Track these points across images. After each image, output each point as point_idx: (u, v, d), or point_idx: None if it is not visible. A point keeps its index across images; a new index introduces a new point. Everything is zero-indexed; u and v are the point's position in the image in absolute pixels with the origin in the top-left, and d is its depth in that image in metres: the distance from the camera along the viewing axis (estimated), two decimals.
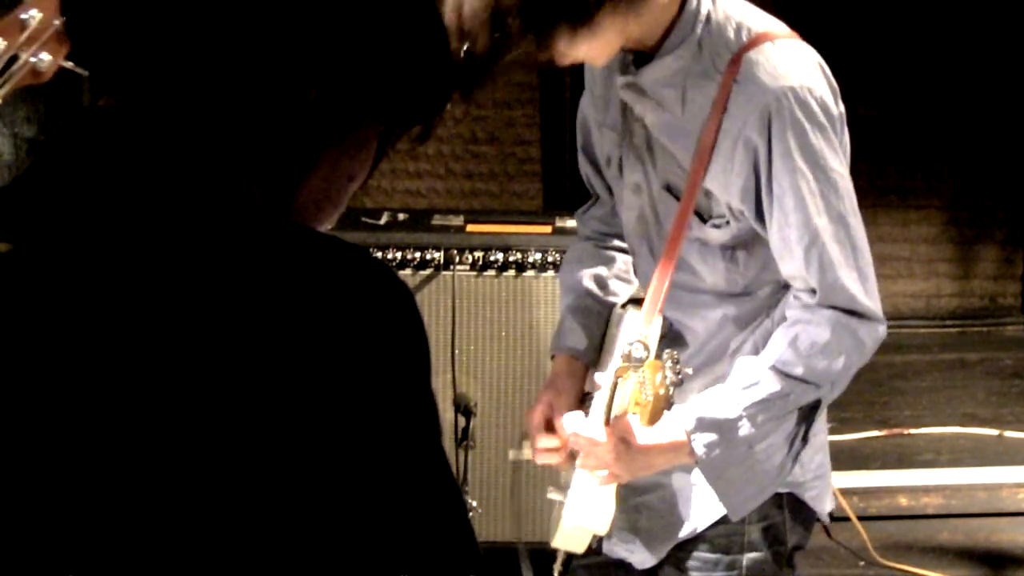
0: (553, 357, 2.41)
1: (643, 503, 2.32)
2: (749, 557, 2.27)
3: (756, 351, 2.19)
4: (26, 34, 2.05)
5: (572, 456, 2.31)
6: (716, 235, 2.17)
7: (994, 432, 4.80)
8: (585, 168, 2.44)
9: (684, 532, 2.29)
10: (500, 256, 3.62)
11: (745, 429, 2.10)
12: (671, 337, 2.26)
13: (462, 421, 3.58)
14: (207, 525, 1.07)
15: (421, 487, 1.12)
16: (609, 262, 2.44)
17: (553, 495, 2.40)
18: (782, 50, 2.08)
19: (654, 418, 2.00)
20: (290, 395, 1.07)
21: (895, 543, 4.18)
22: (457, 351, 3.61)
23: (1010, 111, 5.75)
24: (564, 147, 5.01)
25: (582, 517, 2.24)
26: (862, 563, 4.09)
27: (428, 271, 3.63)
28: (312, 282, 1.10)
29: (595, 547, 2.36)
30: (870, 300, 2.11)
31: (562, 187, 5.12)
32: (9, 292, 1.09)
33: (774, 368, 2.10)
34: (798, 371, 2.10)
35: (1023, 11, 5.62)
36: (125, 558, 1.08)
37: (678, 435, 2.11)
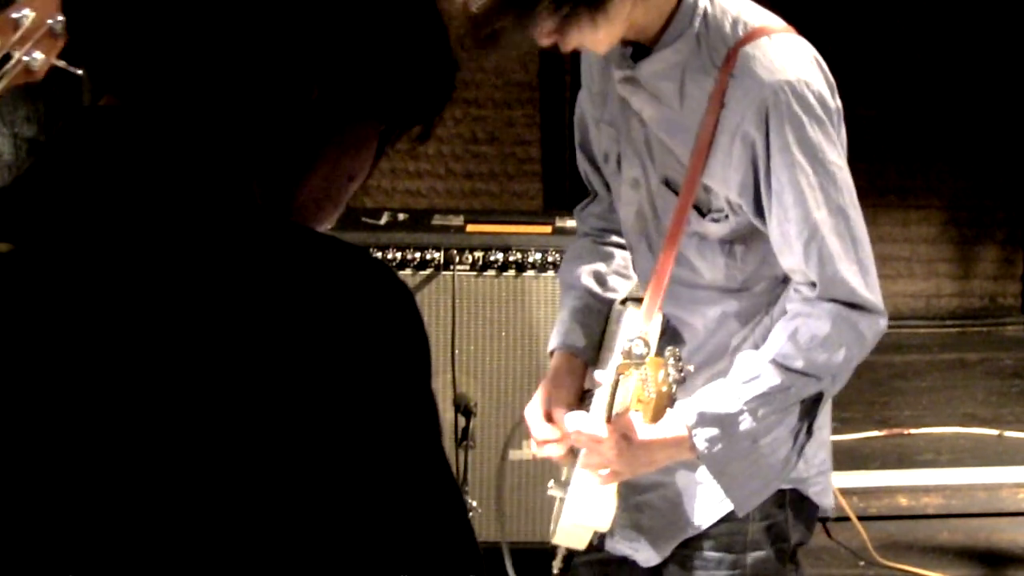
0: (552, 354, 2.41)
1: (645, 501, 2.32)
2: (753, 555, 2.28)
3: (757, 348, 2.19)
4: (19, 33, 2.07)
5: (572, 452, 2.31)
6: (715, 229, 2.17)
7: (994, 432, 4.80)
8: (583, 164, 2.45)
9: (688, 531, 2.30)
10: (500, 256, 3.62)
11: (746, 423, 2.10)
12: (670, 334, 2.27)
13: (462, 421, 3.58)
14: (207, 525, 1.07)
15: (421, 487, 1.12)
16: (608, 258, 2.44)
17: (553, 491, 2.40)
18: (778, 44, 2.09)
19: (657, 415, 2.00)
20: (290, 395, 1.07)
21: (895, 543, 4.18)
22: (457, 351, 3.61)
23: (1010, 111, 5.75)
24: (564, 147, 5.01)
25: (583, 514, 2.24)
26: (862, 563, 4.09)
27: (428, 271, 3.63)
28: (312, 282, 1.10)
29: (597, 544, 2.36)
30: (870, 293, 2.12)
31: (562, 187, 5.12)
32: (10, 292, 1.09)
33: (774, 362, 2.11)
34: (798, 364, 2.10)
35: (1023, 11, 5.62)
36: (125, 558, 1.08)
37: (679, 430, 2.11)
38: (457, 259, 3.62)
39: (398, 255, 3.62)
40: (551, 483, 2.41)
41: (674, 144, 2.16)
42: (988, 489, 4.41)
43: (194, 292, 1.08)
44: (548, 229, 3.74)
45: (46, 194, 1.11)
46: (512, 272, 3.63)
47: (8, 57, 2.09)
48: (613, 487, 2.21)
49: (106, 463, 1.07)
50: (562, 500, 2.37)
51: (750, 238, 2.18)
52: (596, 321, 2.40)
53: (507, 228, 3.74)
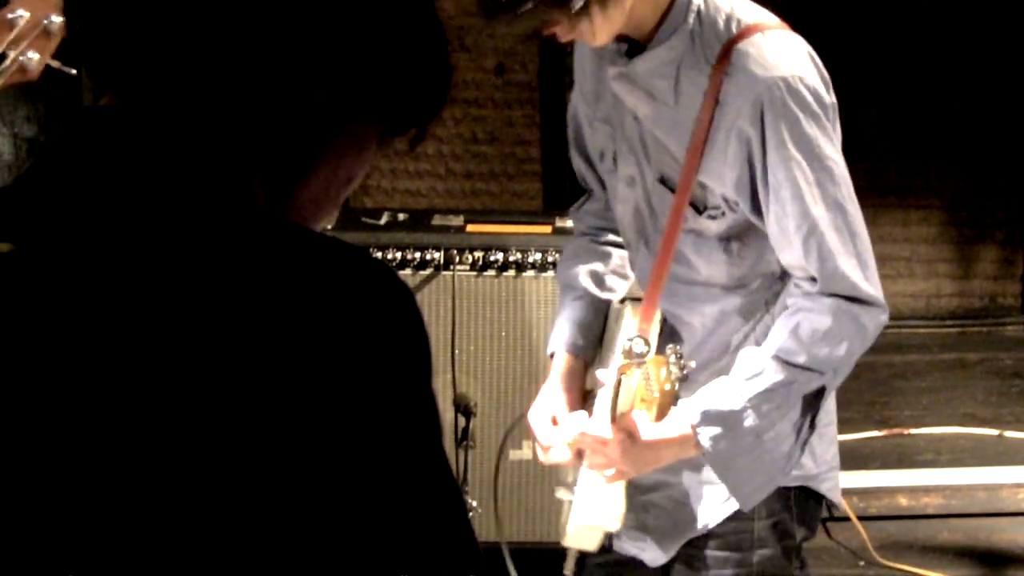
0: (552, 355, 2.40)
1: (650, 501, 2.32)
2: (759, 553, 2.28)
3: (758, 345, 2.19)
4: (14, 33, 2.09)
5: (578, 454, 2.31)
6: (712, 226, 2.17)
7: (994, 432, 4.80)
8: (577, 163, 2.45)
9: (694, 530, 2.30)
10: (500, 256, 3.62)
11: (750, 420, 2.11)
12: (668, 331, 2.27)
13: (462, 421, 3.58)
14: (208, 525, 1.07)
15: (422, 487, 1.12)
16: (605, 258, 2.44)
17: (562, 494, 2.39)
18: (772, 41, 2.09)
19: (662, 413, 2.00)
20: (291, 395, 1.07)
21: (895, 543, 4.18)
22: (457, 351, 3.61)
23: (1010, 111, 5.75)
24: (564, 147, 4.96)
25: (592, 515, 2.24)
26: (862, 563, 4.09)
27: (428, 271, 3.63)
28: (313, 283, 1.10)
29: (606, 545, 2.36)
30: (871, 286, 2.12)
31: (562, 187, 5.11)
32: (11, 292, 1.09)
33: (776, 357, 2.11)
34: (800, 359, 2.10)
35: (1023, 11, 5.62)
36: (125, 558, 1.08)
37: (684, 429, 2.12)
38: (457, 259, 3.62)
39: (398, 255, 3.62)
40: (558, 486, 2.41)
41: (669, 141, 2.16)
42: (988, 489, 4.41)
43: (195, 292, 1.08)
44: (548, 229, 3.74)
45: (46, 194, 1.11)
46: (512, 272, 3.63)
47: (3, 57, 2.11)
48: (621, 487, 2.21)
49: (107, 463, 1.07)
50: (571, 503, 2.37)
51: (747, 235, 2.18)
52: (595, 321, 2.40)
53: (507, 228, 3.74)
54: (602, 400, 2.20)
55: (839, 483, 2.35)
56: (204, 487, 1.07)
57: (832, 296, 2.10)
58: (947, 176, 5.85)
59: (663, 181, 2.20)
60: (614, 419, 2.14)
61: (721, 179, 2.12)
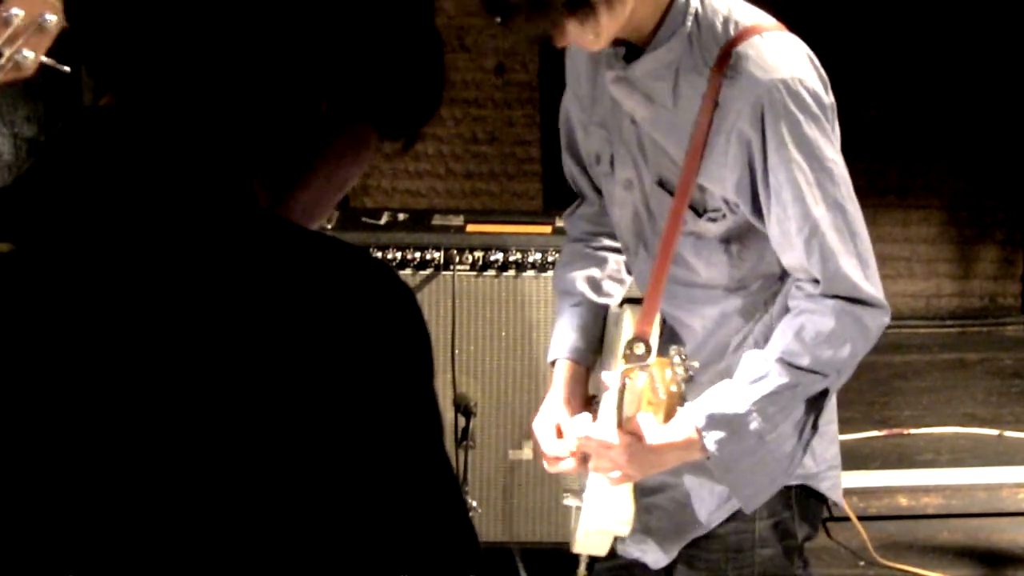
0: (553, 363, 2.40)
1: (652, 503, 2.32)
2: (761, 553, 2.28)
3: (756, 346, 2.19)
4: (9, 31, 2.10)
5: (584, 460, 2.31)
6: (712, 228, 2.17)
7: (994, 432, 4.80)
8: (570, 168, 2.45)
9: (695, 530, 2.30)
10: (500, 256, 3.62)
11: (755, 423, 2.11)
12: (668, 334, 2.27)
13: (462, 421, 3.58)
14: (209, 524, 1.07)
15: (423, 487, 1.12)
16: (601, 263, 2.44)
17: (569, 501, 2.39)
18: (771, 42, 2.09)
19: (669, 415, 2.00)
20: (292, 395, 1.07)
21: (895, 543, 4.18)
22: (457, 351, 3.61)
23: (1010, 111, 5.75)
24: None
25: (602, 520, 2.23)
26: (862, 563, 4.09)
27: (428, 271, 3.63)
28: (314, 283, 1.10)
29: (613, 549, 2.36)
30: (872, 287, 2.12)
31: (562, 187, 5.10)
32: (11, 292, 1.09)
33: (780, 360, 2.11)
34: (805, 362, 2.10)
35: (1023, 11, 5.62)
36: (125, 558, 1.08)
37: (689, 432, 2.11)
38: (457, 259, 3.62)
39: (398, 255, 3.62)
40: (565, 493, 2.41)
41: (668, 144, 2.16)
42: (988, 489, 4.41)
43: (196, 292, 1.08)
44: (548, 229, 3.73)
45: (47, 194, 1.11)
46: (512, 272, 3.63)
47: None
48: (629, 491, 2.21)
49: (107, 463, 1.07)
50: (578, 509, 2.36)
51: (747, 236, 2.18)
52: (595, 326, 2.40)
53: (507, 228, 3.73)
54: (607, 404, 2.20)
55: (840, 482, 2.35)
56: (205, 487, 1.07)
57: (834, 298, 2.10)
58: (947, 176, 5.86)
59: (661, 184, 2.19)
60: (620, 423, 2.13)
61: (721, 182, 2.12)
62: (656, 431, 2.10)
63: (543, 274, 3.61)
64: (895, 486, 4.42)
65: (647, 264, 2.26)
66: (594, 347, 2.39)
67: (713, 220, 2.16)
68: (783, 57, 2.08)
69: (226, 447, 1.07)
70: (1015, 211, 5.89)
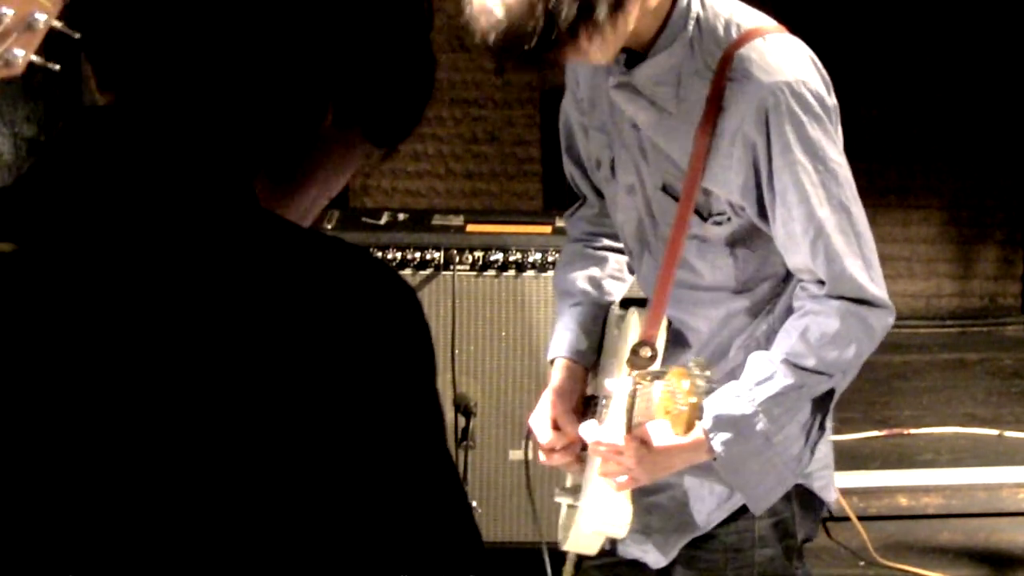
0: (552, 361, 2.40)
1: (653, 503, 2.32)
2: (761, 553, 2.28)
3: (760, 347, 2.19)
4: None
5: (580, 459, 2.31)
6: (717, 232, 2.17)
7: (994, 432, 4.80)
8: (570, 169, 2.45)
9: (695, 530, 2.30)
10: (500, 256, 3.62)
11: (762, 424, 2.11)
12: (672, 336, 2.27)
13: (462, 421, 3.58)
14: (210, 524, 1.07)
15: (426, 485, 1.12)
16: (601, 263, 2.44)
17: (560, 498, 2.39)
18: (773, 45, 2.09)
19: (689, 426, 1.99)
20: (295, 395, 1.07)
21: (895, 543, 4.18)
22: (457, 351, 3.61)
23: (1010, 111, 5.75)
24: None
25: (600, 522, 2.23)
26: (862, 563, 4.09)
27: (428, 271, 3.63)
28: (316, 283, 1.10)
29: (608, 548, 2.36)
30: (877, 287, 2.13)
31: (562, 187, 5.11)
32: (12, 292, 1.09)
33: (786, 361, 2.11)
34: (810, 363, 2.10)
35: (1023, 11, 5.62)
36: (125, 558, 1.08)
37: (696, 434, 2.11)
38: (457, 259, 3.62)
39: (398, 255, 3.62)
40: (557, 490, 2.41)
41: (671, 149, 2.16)
42: (988, 489, 4.41)
43: (198, 292, 1.08)
44: (548, 229, 3.74)
45: (48, 194, 1.11)
46: (512, 272, 3.63)
47: None
48: (627, 495, 2.21)
49: (108, 463, 1.07)
50: (570, 507, 2.37)
51: (751, 239, 2.18)
52: (595, 326, 2.40)
53: (507, 228, 3.74)
54: (616, 408, 2.19)
55: (832, 482, 2.36)
56: (206, 486, 1.07)
57: (839, 299, 2.11)
58: (947, 176, 5.85)
59: (665, 188, 2.19)
60: (629, 428, 2.13)
61: (726, 185, 2.12)
62: (663, 434, 2.10)
63: (543, 274, 3.61)
64: (895, 486, 4.42)
65: (652, 268, 2.26)
66: (594, 347, 2.39)
67: (718, 224, 2.16)
68: (786, 59, 2.08)
69: (228, 447, 1.07)
70: (1015, 211, 5.89)
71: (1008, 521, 4.32)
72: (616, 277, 2.44)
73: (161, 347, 1.07)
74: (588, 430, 2.20)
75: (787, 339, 2.12)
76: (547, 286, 3.61)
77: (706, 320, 2.26)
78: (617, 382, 2.22)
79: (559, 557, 2.47)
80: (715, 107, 2.08)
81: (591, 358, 2.39)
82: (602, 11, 1.97)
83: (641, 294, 2.38)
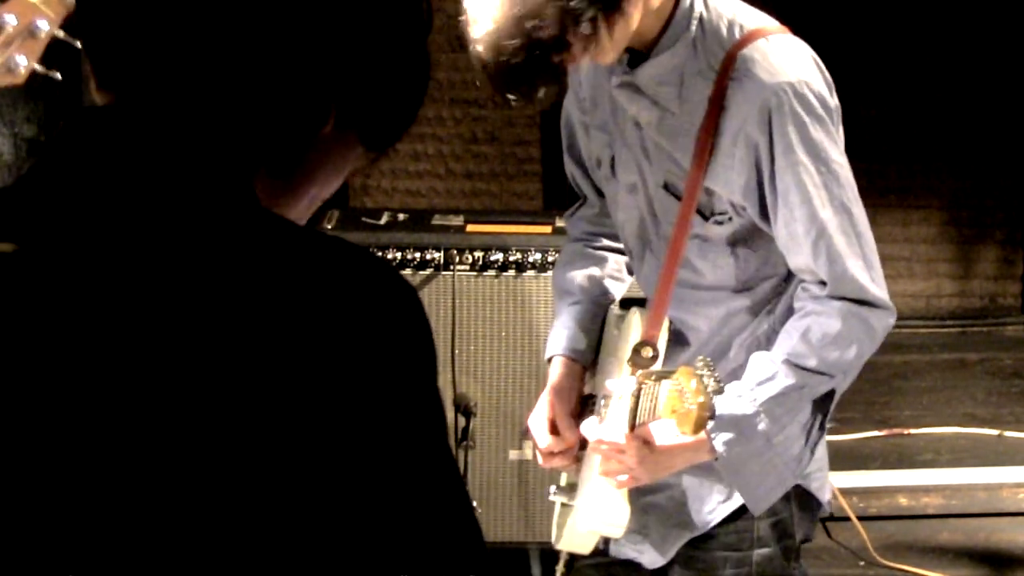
0: (550, 360, 2.40)
1: (651, 503, 2.32)
2: (759, 553, 2.28)
3: (760, 347, 2.19)
4: (1, 37, 2.16)
5: (577, 458, 2.31)
6: (719, 231, 2.17)
7: (994, 432, 4.80)
8: (571, 169, 2.45)
9: (694, 530, 2.30)
10: (500, 256, 3.62)
11: (763, 424, 2.11)
12: (673, 335, 2.27)
13: (462, 421, 3.58)
14: (211, 523, 1.08)
15: (428, 484, 1.13)
16: (601, 262, 2.44)
17: (555, 497, 2.39)
18: (776, 46, 2.09)
19: (699, 426, 1.98)
20: (296, 394, 1.07)
21: (895, 543, 4.18)
22: (457, 351, 3.61)
23: (1010, 111, 5.75)
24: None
25: (597, 521, 2.24)
26: (862, 563, 4.09)
27: (428, 271, 3.63)
28: (318, 281, 1.10)
29: (602, 547, 2.36)
30: (878, 288, 2.13)
31: (562, 187, 5.11)
32: (13, 292, 1.09)
33: (788, 361, 2.11)
34: (811, 363, 2.11)
35: (1023, 11, 5.62)
36: (126, 558, 1.08)
37: (699, 434, 2.11)
38: (457, 259, 3.62)
39: (398, 255, 3.62)
40: (552, 488, 2.41)
41: (673, 148, 2.16)
42: (988, 489, 4.41)
43: (199, 291, 1.08)
44: (548, 229, 3.74)
45: (48, 195, 1.11)
46: (512, 272, 3.63)
47: None
48: (625, 495, 2.21)
49: (109, 462, 1.07)
50: (564, 505, 2.37)
51: (752, 239, 2.18)
52: (593, 325, 2.40)
53: (507, 228, 3.74)
54: (618, 408, 2.19)
55: (827, 483, 2.36)
56: (207, 486, 1.07)
57: (841, 299, 2.11)
58: (947, 176, 5.86)
59: (667, 187, 2.19)
60: (632, 427, 2.13)
61: (728, 185, 2.12)
62: (665, 433, 2.10)
63: (543, 274, 3.61)
64: (895, 486, 4.42)
65: (653, 268, 2.26)
66: (592, 346, 2.39)
67: (719, 223, 2.16)
68: (789, 60, 2.08)
69: (229, 446, 1.07)
70: (1015, 211, 5.89)
71: (1008, 521, 4.33)
72: (615, 277, 2.44)
73: (162, 347, 1.07)
74: (590, 428, 2.20)
75: (788, 339, 2.13)
76: (547, 286, 3.60)
77: (706, 319, 2.26)
78: (619, 381, 2.22)
79: (552, 557, 2.47)
80: (717, 107, 2.08)
81: (589, 357, 2.39)
82: (585, 27, 1.96)
83: (640, 294, 2.38)
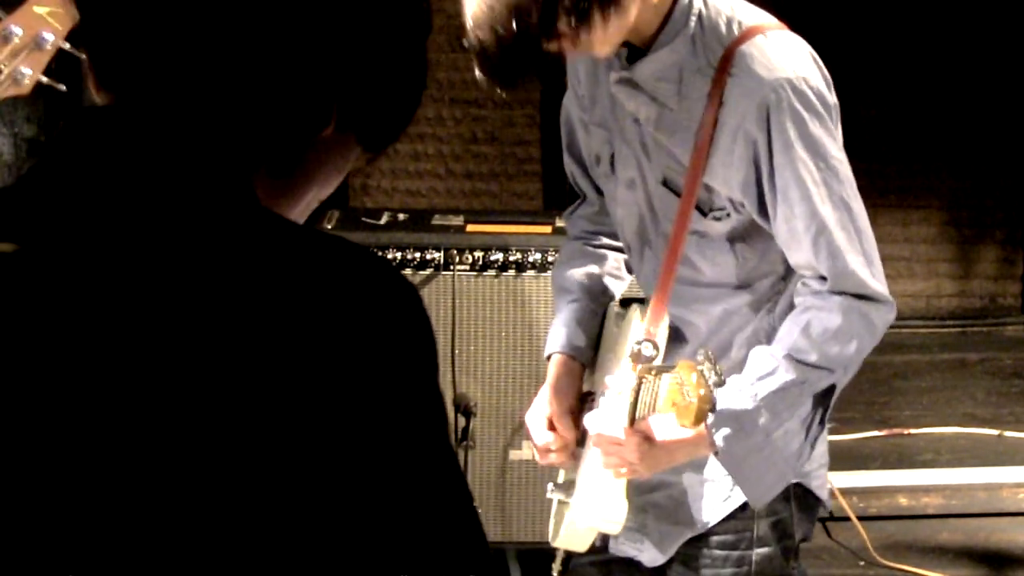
0: (549, 358, 2.41)
1: (650, 502, 2.32)
2: (758, 552, 2.28)
3: (760, 344, 2.19)
4: (8, 48, 2.20)
5: (575, 456, 2.31)
6: (717, 227, 2.18)
7: (994, 432, 4.80)
8: (571, 167, 2.45)
9: (693, 529, 2.30)
10: (500, 256, 3.62)
11: (763, 419, 2.11)
12: (672, 333, 2.27)
13: (462, 421, 3.58)
14: (212, 522, 1.08)
15: (429, 483, 1.13)
16: (600, 260, 2.44)
17: (553, 494, 2.40)
18: (774, 42, 2.10)
19: (699, 419, 1.99)
20: (297, 393, 1.07)
21: (895, 543, 4.18)
22: (457, 351, 3.61)
23: (1010, 111, 5.75)
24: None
25: (593, 518, 2.24)
26: (862, 563, 4.09)
27: (428, 271, 3.63)
28: (319, 280, 1.10)
29: (599, 545, 2.36)
30: (878, 283, 2.14)
31: (562, 187, 5.10)
32: (13, 292, 1.09)
33: (788, 356, 2.11)
34: (812, 358, 2.11)
35: (1023, 11, 5.62)
36: (125, 558, 1.08)
37: (699, 428, 2.12)
38: (457, 259, 3.62)
39: (398, 255, 3.62)
40: (550, 485, 2.41)
41: (672, 144, 2.16)
42: (988, 489, 4.41)
43: (200, 291, 1.08)
44: (548, 229, 3.74)
45: (49, 195, 1.11)
46: (512, 272, 3.63)
47: None
48: (622, 491, 2.21)
49: (110, 462, 1.07)
50: (561, 503, 2.37)
51: (751, 235, 2.19)
52: (592, 323, 2.40)
53: (507, 228, 3.74)
54: (619, 403, 2.20)
55: (827, 482, 2.36)
56: (208, 485, 1.07)
57: (842, 294, 2.11)
58: (947, 176, 5.86)
59: (666, 184, 2.20)
60: (632, 422, 2.14)
61: (727, 181, 2.12)
62: (665, 428, 2.11)
63: (543, 274, 3.62)
64: (895, 486, 4.42)
65: (652, 264, 2.26)
66: (591, 344, 2.40)
67: (718, 219, 2.17)
68: (787, 56, 2.08)
69: (229, 445, 1.07)
70: (1015, 211, 5.89)
71: (1008, 521, 4.33)
72: (615, 275, 2.45)
73: (163, 346, 1.07)
74: (591, 422, 2.21)
75: (789, 334, 2.13)
76: (547, 286, 3.60)
77: (705, 317, 2.26)
78: (619, 377, 2.22)
79: (536, 556, 2.47)
80: (716, 103, 2.09)
81: (588, 354, 2.39)
82: (580, 17, 1.97)
83: (640, 294, 2.38)
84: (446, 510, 1.13)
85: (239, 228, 1.11)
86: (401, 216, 3.84)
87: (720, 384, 2.00)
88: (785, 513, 2.29)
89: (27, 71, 2.24)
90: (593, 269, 2.43)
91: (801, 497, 2.30)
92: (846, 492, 4.19)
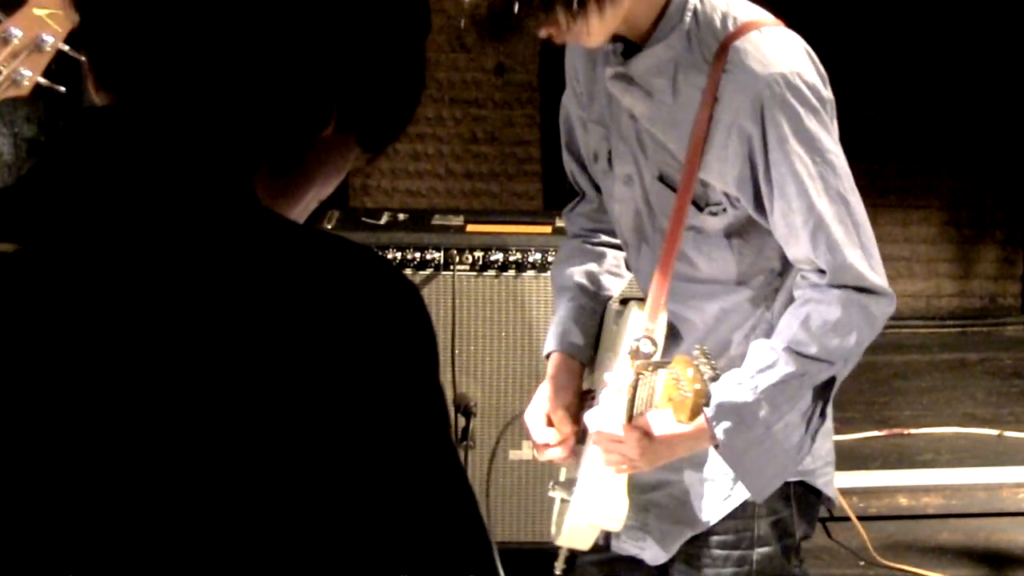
0: (548, 356, 2.41)
1: (651, 500, 2.33)
2: (759, 551, 2.29)
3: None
4: (7, 50, 2.21)
5: (574, 453, 2.32)
6: (713, 223, 2.18)
7: (994, 432, 4.80)
8: (570, 165, 2.46)
9: (695, 528, 2.30)
10: (500, 256, 3.62)
11: (764, 412, 2.11)
12: (669, 329, 2.27)
13: (462, 421, 3.59)
14: (213, 522, 1.08)
15: (431, 482, 1.13)
16: (599, 258, 2.45)
17: (554, 493, 2.40)
18: (769, 37, 2.10)
19: (695, 414, 2.00)
20: (298, 392, 1.07)
21: (895, 543, 4.18)
22: (457, 351, 3.61)
23: (1010, 111, 5.75)
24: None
25: (594, 515, 2.24)
26: (862, 563, 4.09)
27: (428, 271, 3.63)
28: (320, 280, 1.10)
29: (602, 543, 2.36)
30: (877, 275, 2.14)
31: (562, 187, 5.10)
32: (14, 292, 1.09)
33: (788, 349, 2.12)
34: (812, 350, 2.11)
35: (1023, 11, 5.62)
36: (126, 558, 1.08)
37: (699, 422, 2.12)
38: (457, 259, 3.62)
39: (398, 255, 3.62)
40: (551, 484, 2.42)
41: (668, 139, 2.17)
42: (988, 489, 4.41)
43: (201, 291, 1.08)
44: (548, 229, 3.74)
45: (50, 195, 1.12)
46: (512, 272, 3.63)
47: None
48: (623, 488, 2.22)
49: (110, 462, 1.07)
50: (563, 501, 2.37)
51: (747, 231, 2.19)
52: (592, 321, 2.41)
53: (507, 228, 3.74)
54: (617, 399, 2.20)
55: (833, 479, 2.36)
56: (209, 485, 1.07)
57: (841, 287, 2.12)
58: (947, 176, 5.86)
59: (662, 179, 2.20)
60: (631, 418, 2.14)
61: (722, 176, 2.13)
62: (663, 423, 2.11)
63: (543, 274, 3.62)
64: (895, 486, 4.42)
65: (649, 260, 2.26)
66: (590, 342, 2.40)
67: (714, 214, 2.17)
68: (781, 52, 2.09)
69: (230, 445, 1.07)
70: (1015, 211, 5.89)
71: (1008, 521, 4.33)
72: (614, 273, 2.45)
73: (164, 346, 1.07)
74: (591, 419, 2.21)
75: (788, 327, 2.13)
76: (547, 286, 3.60)
77: (701, 312, 2.26)
78: (617, 373, 2.22)
79: (551, 557, 2.47)
80: (711, 98, 2.09)
81: (587, 353, 2.39)
82: (574, 3, 1.98)
83: (639, 293, 2.38)
84: (448, 509, 1.13)
85: (239, 228, 1.11)
86: (401, 216, 3.84)
87: (715, 378, 2.00)
88: (785, 512, 2.29)
89: (27, 73, 2.25)
90: (592, 267, 2.43)
91: (801, 496, 2.31)
92: (846, 492, 4.19)
